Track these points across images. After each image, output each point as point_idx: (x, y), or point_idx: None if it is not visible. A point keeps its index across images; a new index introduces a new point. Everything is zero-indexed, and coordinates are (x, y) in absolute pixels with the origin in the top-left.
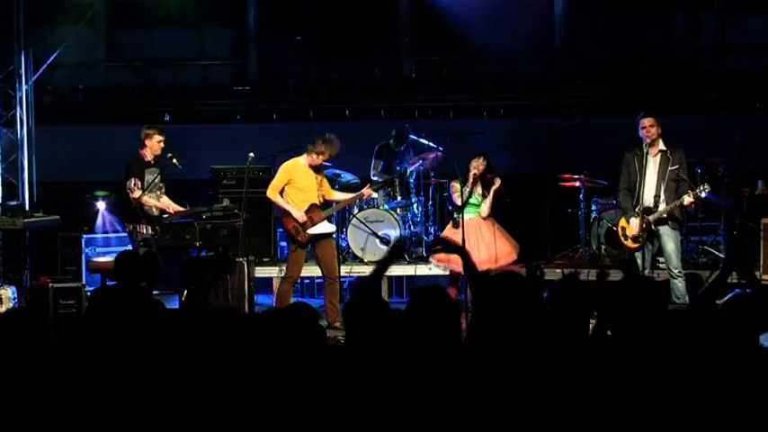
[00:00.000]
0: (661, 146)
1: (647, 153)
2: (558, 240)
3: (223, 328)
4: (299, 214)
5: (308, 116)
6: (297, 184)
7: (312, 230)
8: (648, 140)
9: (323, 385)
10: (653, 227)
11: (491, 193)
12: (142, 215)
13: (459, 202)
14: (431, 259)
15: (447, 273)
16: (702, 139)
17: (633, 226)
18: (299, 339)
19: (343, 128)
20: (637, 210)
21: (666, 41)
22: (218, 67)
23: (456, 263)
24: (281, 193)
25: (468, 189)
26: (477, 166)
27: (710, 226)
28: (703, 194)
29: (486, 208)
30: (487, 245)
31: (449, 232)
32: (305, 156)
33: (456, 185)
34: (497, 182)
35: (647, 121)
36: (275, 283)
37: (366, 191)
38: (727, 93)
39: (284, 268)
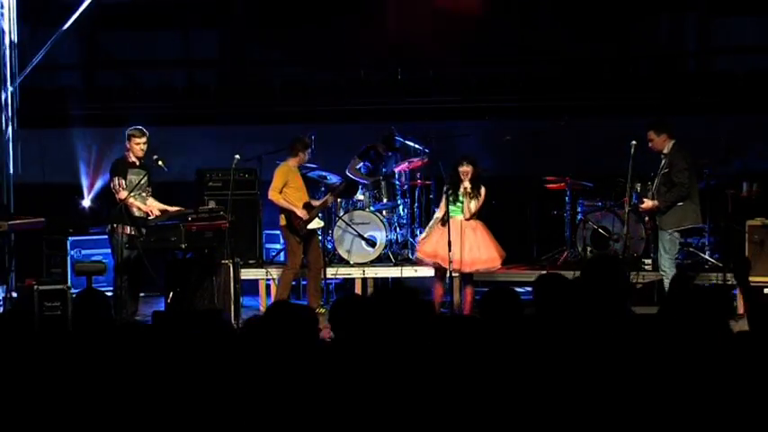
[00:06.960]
0: (666, 149)
1: (662, 156)
2: (543, 242)
3: (209, 330)
4: (302, 212)
5: (294, 118)
6: (292, 185)
7: (310, 225)
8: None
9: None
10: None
11: (481, 198)
12: (127, 216)
13: (439, 215)
14: (417, 254)
15: (431, 270)
16: (688, 140)
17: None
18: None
19: (329, 130)
20: None
21: (651, 43)
22: (203, 69)
23: (443, 259)
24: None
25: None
26: (465, 172)
27: (695, 228)
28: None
29: (467, 210)
30: (469, 248)
31: (437, 230)
32: (292, 158)
33: (443, 200)
34: (483, 191)
35: (648, 135)
36: (261, 286)
37: (329, 198)
38: (711, 94)
39: (270, 270)
